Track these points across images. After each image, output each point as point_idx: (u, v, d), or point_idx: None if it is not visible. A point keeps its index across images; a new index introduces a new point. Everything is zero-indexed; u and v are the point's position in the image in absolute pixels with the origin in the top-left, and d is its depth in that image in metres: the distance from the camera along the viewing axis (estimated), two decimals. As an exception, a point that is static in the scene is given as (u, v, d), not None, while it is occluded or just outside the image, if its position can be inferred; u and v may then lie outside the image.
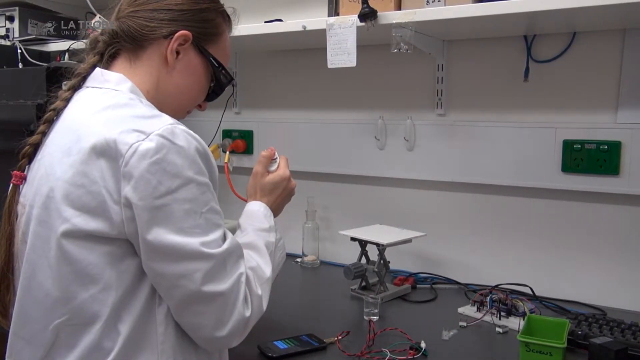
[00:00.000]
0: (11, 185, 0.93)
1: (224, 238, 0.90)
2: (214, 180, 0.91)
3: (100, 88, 0.94)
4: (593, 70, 1.52)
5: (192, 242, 0.83)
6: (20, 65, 1.99)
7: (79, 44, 1.92)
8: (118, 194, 0.82)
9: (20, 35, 2.05)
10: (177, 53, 0.97)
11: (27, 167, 0.96)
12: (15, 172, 0.92)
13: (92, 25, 1.96)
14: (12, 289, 0.93)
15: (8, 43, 2.04)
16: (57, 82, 1.67)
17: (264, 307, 0.95)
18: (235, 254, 0.90)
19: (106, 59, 0.99)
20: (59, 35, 2.11)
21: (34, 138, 0.94)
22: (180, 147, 0.84)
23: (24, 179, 0.93)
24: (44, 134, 0.94)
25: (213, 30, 1.02)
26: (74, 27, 2.15)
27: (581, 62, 1.53)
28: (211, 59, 1.02)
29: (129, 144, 0.82)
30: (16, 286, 0.91)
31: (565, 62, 1.55)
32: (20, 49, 1.99)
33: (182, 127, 0.88)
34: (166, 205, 0.82)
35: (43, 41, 2.05)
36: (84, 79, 0.97)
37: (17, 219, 0.92)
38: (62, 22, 2.14)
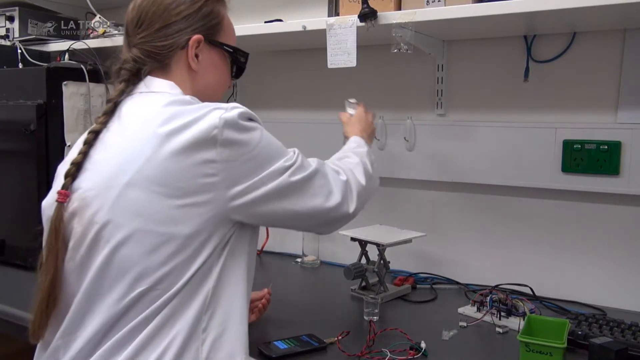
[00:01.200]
0: (56, 203, 0.97)
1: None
2: None
3: (157, 92, 1.02)
4: (593, 70, 1.52)
5: (278, 162, 1.00)
6: (20, 65, 1.99)
7: (79, 44, 1.93)
8: (212, 163, 0.92)
9: (20, 35, 2.05)
10: (197, 56, 1.06)
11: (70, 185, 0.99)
12: (60, 190, 0.96)
13: (92, 25, 1.97)
14: (58, 303, 0.97)
15: (8, 43, 2.05)
16: (57, 82, 1.68)
17: (356, 188, 1.15)
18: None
19: (131, 80, 1.05)
20: (59, 35, 2.12)
21: (76, 158, 0.98)
22: (248, 111, 0.99)
23: (68, 196, 0.97)
24: (85, 154, 0.99)
25: (215, 20, 1.09)
26: (74, 27, 2.15)
27: (581, 62, 1.53)
28: (225, 47, 1.10)
29: (216, 117, 0.94)
30: (66, 299, 0.97)
31: (565, 62, 1.55)
32: (20, 49, 1.99)
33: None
34: (259, 154, 0.97)
35: (43, 41, 2.05)
36: (115, 104, 1.02)
37: (64, 234, 0.96)
38: (62, 22, 2.14)
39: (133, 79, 1.04)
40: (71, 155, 1.02)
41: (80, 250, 0.95)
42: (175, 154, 0.91)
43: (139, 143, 0.93)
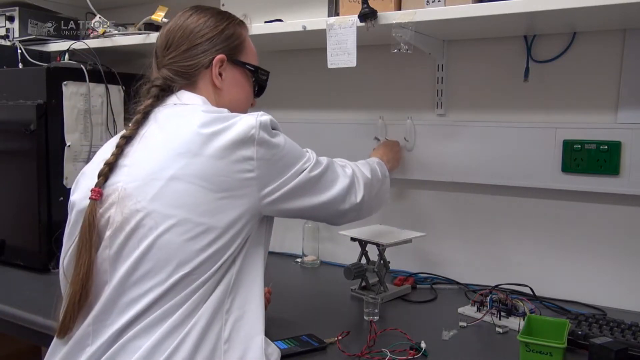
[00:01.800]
0: (89, 201, 1.02)
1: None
2: None
3: (186, 104, 1.11)
4: (593, 70, 1.52)
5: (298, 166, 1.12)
6: (20, 65, 1.99)
7: (79, 44, 1.93)
8: (250, 160, 1.03)
9: (20, 35, 2.05)
10: (220, 74, 1.16)
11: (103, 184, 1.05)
12: (94, 188, 1.02)
13: (92, 25, 1.97)
14: (90, 294, 1.01)
15: (8, 43, 2.05)
16: (57, 82, 1.67)
17: (362, 179, 1.28)
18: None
19: (161, 95, 1.14)
20: (59, 35, 2.12)
21: (109, 159, 1.05)
22: (275, 120, 1.11)
23: (101, 194, 1.03)
24: (117, 156, 1.06)
25: (237, 42, 1.19)
26: (74, 27, 2.15)
27: (581, 62, 1.53)
28: (247, 66, 1.21)
29: (253, 118, 1.05)
30: (96, 288, 1.01)
31: (565, 62, 1.55)
32: (20, 49, 1.99)
33: None
34: (285, 155, 1.09)
35: (43, 41, 2.05)
36: (145, 115, 1.10)
37: (97, 229, 1.02)
38: (62, 22, 2.14)
39: (162, 94, 1.13)
40: (101, 156, 1.09)
41: (118, 238, 1.00)
42: (218, 151, 1.00)
43: (183, 141, 1.01)
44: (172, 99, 1.13)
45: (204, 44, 1.15)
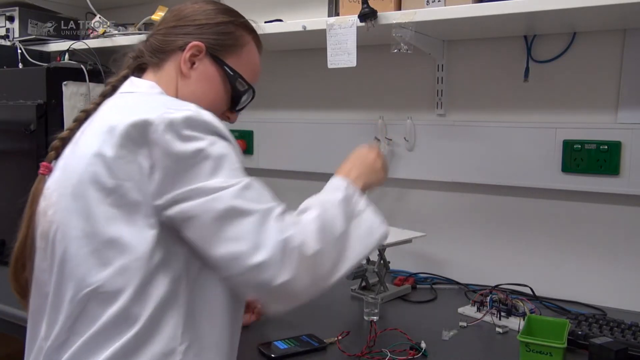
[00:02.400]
0: (39, 175, 0.99)
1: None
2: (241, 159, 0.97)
3: (132, 92, 1.02)
4: (593, 70, 1.52)
5: (215, 179, 0.87)
6: (20, 65, 1.99)
7: (79, 44, 1.93)
8: (147, 163, 0.87)
9: (20, 35, 2.05)
10: (193, 63, 1.04)
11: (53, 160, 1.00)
12: (43, 163, 0.98)
13: (92, 25, 1.97)
14: (28, 269, 0.99)
15: (8, 43, 2.04)
16: (57, 82, 1.67)
17: (314, 243, 0.89)
18: (268, 192, 0.93)
19: (136, 71, 1.08)
20: (59, 35, 2.12)
21: (64, 133, 1.01)
22: (206, 118, 0.91)
23: (51, 170, 0.99)
24: (72, 130, 1.01)
25: (231, 42, 1.07)
26: (74, 27, 2.15)
27: (581, 62, 1.53)
28: (226, 67, 1.06)
29: (159, 113, 0.88)
30: (32, 266, 0.98)
31: (565, 62, 1.55)
32: (20, 49, 1.99)
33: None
34: (195, 164, 0.87)
35: (43, 41, 2.05)
36: (114, 88, 1.05)
37: (38, 206, 0.98)
38: (62, 22, 2.14)
39: (131, 71, 1.07)
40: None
41: (47, 250, 0.94)
42: (113, 150, 0.87)
43: (89, 142, 0.91)
44: (124, 86, 1.04)
45: (191, 27, 1.05)
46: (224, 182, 0.86)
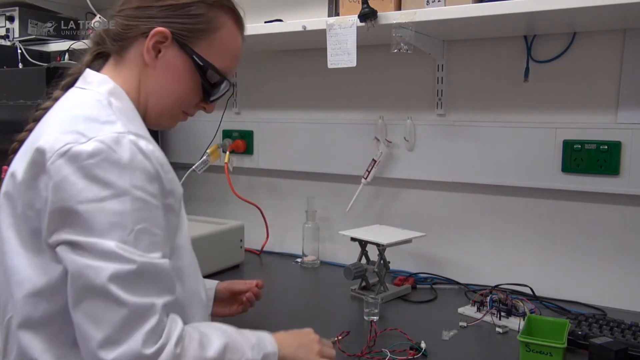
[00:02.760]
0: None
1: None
2: (169, 206, 0.86)
3: (83, 89, 0.93)
4: (593, 70, 1.52)
5: (108, 242, 0.76)
6: (20, 65, 1.99)
7: (79, 44, 1.93)
8: (45, 194, 0.79)
9: (20, 35, 2.05)
10: (159, 51, 0.93)
11: None
12: (4, 166, 0.92)
13: (92, 25, 1.97)
14: None
15: (8, 43, 2.04)
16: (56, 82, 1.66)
17: None
18: (164, 280, 0.81)
19: (98, 60, 0.99)
20: (59, 35, 2.11)
21: (21, 135, 0.94)
22: (119, 157, 0.79)
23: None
24: (30, 131, 0.93)
25: (202, 27, 0.94)
26: (74, 27, 2.15)
27: (581, 62, 1.53)
28: (194, 57, 0.94)
29: (64, 142, 0.79)
30: None
31: (565, 62, 1.55)
32: (20, 49, 1.99)
33: (134, 138, 0.82)
34: (89, 212, 0.76)
35: (43, 41, 2.05)
36: (75, 80, 0.97)
37: None
38: (62, 22, 2.14)
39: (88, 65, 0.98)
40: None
41: None
42: (21, 173, 0.82)
43: (17, 156, 0.86)
44: (83, 75, 0.95)
45: (155, 9, 0.93)
46: (115, 249, 0.75)
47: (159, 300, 0.78)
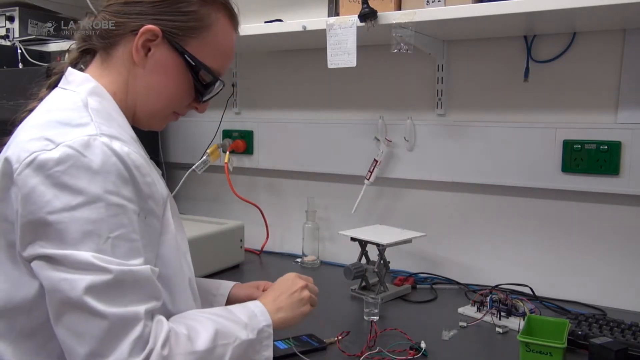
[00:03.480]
0: None
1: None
2: (149, 210, 0.82)
3: (64, 89, 0.90)
4: (593, 70, 1.52)
5: (82, 252, 0.73)
6: (20, 65, 1.99)
7: (79, 44, 1.93)
8: (15, 206, 0.76)
9: (20, 35, 2.05)
10: (148, 50, 0.89)
11: None
12: None
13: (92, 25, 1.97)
14: None
15: (8, 43, 2.04)
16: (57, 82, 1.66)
17: None
18: (146, 286, 0.78)
19: (85, 57, 0.95)
20: (59, 35, 2.11)
21: (6, 138, 0.90)
22: (90, 161, 0.75)
23: None
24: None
25: (194, 24, 0.90)
26: (74, 27, 2.15)
27: (581, 62, 1.53)
28: (186, 56, 0.90)
29: (30, 151, 0.75)
30: None
31: (565, 62, 1.55)
32: (20, 49, 1.99)
33: (106, 140, 0.78)
34: (61, 222, 0.73)
35: (43, 41, 2.05)
36: (61, 78, 0.93)
37: None
38: (62, 22, 2.14)
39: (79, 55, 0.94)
40: None
41: None
42: None
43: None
44: (66, 74, 0.92)
45: (144, 5, 0.89)
46: (90, 259, 0.73)
47: (142, 307, 0.76)
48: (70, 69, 0.92)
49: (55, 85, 0.94)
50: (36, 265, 0.75)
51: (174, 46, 0.90)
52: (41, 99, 0.92)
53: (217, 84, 0.96)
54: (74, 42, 0.98)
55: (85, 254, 0.73)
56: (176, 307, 0.89)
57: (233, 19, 0.96)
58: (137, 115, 0.94)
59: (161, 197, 0.86)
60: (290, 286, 1.04)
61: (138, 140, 0.91)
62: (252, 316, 0.92)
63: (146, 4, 0.89)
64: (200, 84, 0.94)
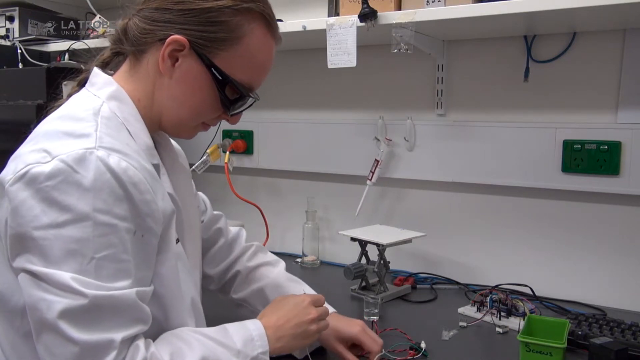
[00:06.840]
0: None
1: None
2: (147, 228, 0.79)
3: (87, 90, 0.90)
4: (593, 70, 1.52)
5: (62, 273, 0.71)
6: (20, 65, 1.99)
7: (79, 44, 1.92)
8: (5, 217, 0.76)
9: (20, 35, 2.05)
10: (176, 60, 0.87)
11: None
12: None
13: (92, 25, 1.97)
14: None
15: (8, 43, 2.04)
16: (56, 82, 1.67)
17: None
18: (128, 311, 0.75)
19: (119, 57, 0.95)
20: (59, 35, 2.12)
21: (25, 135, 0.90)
22: (81, 177, 0.73)
23: None
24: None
25: (224, 35, 0.86)
26: (74, 27, 2.15)
27: (581, 62, 1.53)
28: (213, 69, 0.87)
29: (26, 163, 0.74)
30: None
31: (565, 62, 1.55)
32: (20, 49, 1.99)
33: (103, 155, 0.75)
34: (45, 239, 0.71)
35: (43, 41, 2.05)
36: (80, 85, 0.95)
37: None
38: (62, 22, 2.14)
39: (109, 63, 0.95)
40: None
41: None
42: None
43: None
44: (91, 75, 0.91)
45: (173, 13, 0.85)
46: (68, 282, 0.71)
47: (118, 335, 0.73)
48: (95, 69, 0.91)
49: (84, 83, 0.93)
50: (21, 278, 0.75)
51: (201, 58, 0.86)
52: (70, 96, 0.92)
53: (247, 100, 0.93)
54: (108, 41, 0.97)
55: (64, 275, 0.71)
56: (169, 325, 0.86)
57: (270, 28, 0.91)
58: (163, 124, 0.93)
59: (162, 215, 0.83)
60: (300, 314, 0.97)
61: (153, 149, 0.89)
62: (248, 341, 0.88)
63: (175, 12, 0.86)
64: (227, 99, 0.90)
